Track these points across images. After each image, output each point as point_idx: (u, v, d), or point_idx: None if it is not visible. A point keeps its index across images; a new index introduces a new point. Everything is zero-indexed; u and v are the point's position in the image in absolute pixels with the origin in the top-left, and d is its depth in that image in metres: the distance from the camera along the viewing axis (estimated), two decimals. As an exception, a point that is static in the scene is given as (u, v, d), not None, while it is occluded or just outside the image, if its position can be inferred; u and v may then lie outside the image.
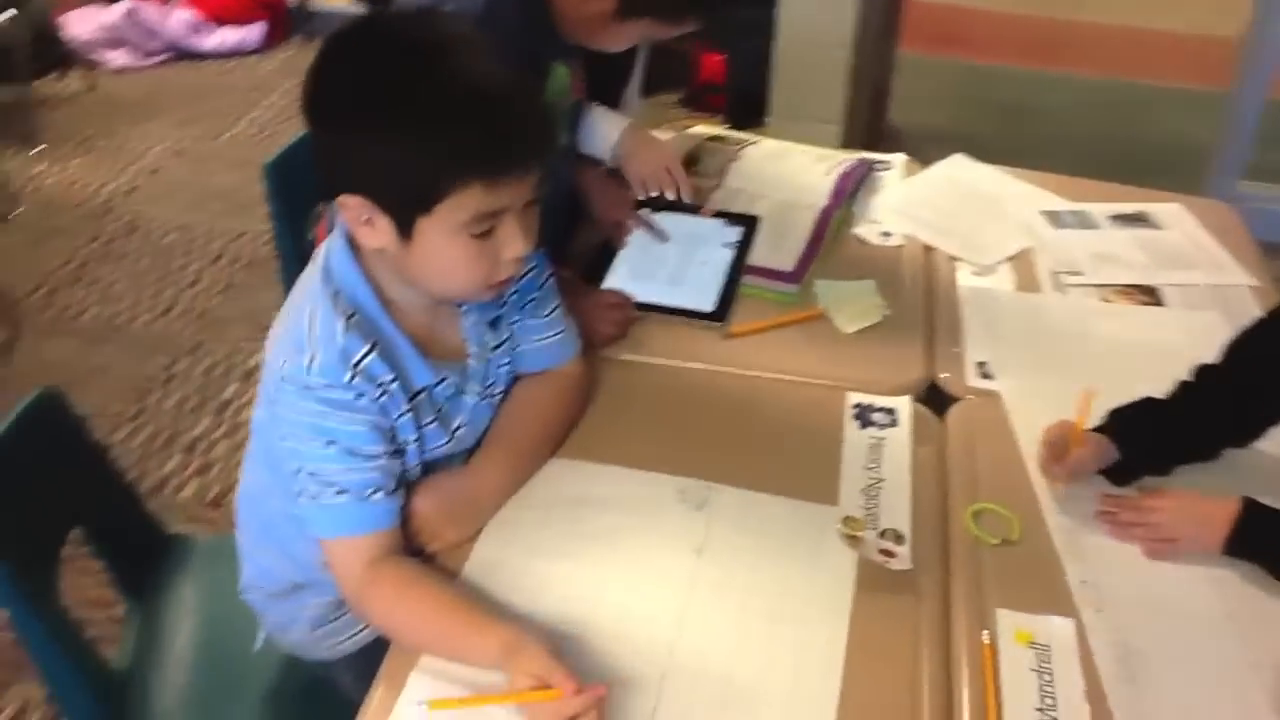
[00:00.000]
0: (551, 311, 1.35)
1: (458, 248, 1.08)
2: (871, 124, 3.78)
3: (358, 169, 1.07)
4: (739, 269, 1.66)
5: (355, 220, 1.09)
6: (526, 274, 1.30)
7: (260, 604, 1.40)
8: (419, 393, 1.19)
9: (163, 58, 4.46)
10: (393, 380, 1.14)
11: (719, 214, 1.78)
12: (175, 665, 1.49)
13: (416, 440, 1.20)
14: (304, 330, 1.12)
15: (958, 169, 2.02)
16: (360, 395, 1.12)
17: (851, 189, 1.85)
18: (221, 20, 4.54)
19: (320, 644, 1.37)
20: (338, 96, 1.07)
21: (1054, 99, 4.27)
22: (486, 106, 1.04)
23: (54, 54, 4.25)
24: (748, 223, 1.76)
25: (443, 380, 1.21)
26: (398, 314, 1.17)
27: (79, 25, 4.39)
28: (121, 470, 1.58)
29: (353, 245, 1.15)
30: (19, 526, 1.29)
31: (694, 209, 1.79)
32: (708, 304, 1.59)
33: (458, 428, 1.26)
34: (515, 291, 1.29)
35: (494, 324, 1.28)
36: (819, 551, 1.23)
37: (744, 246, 1.71)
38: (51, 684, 1.35)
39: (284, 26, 4.69)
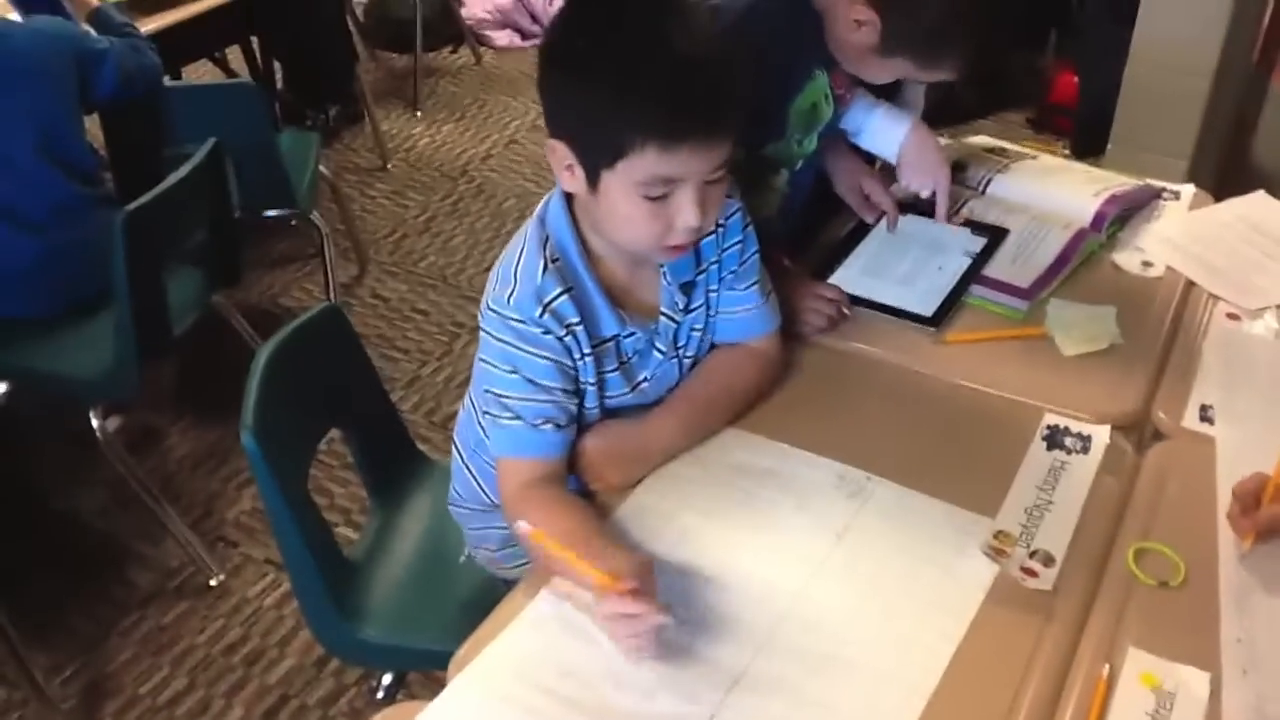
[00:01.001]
0: (750, 286, 1.41)
1: (633, 205, 1.17)
2: (1228, 161, 3.50)
3: (562, 115, 1.19)
4: (970, 279, 1.64)
5: (559, 165, 1.21)
6: (731, 246, 1.37)
7: (463, 518, 1.56)
8: (606, 340, 1.30)
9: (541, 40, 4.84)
10: (579, 323, 1.25)
11: (968, 223, 1.77)
12: (396, 564, 1.68)
13: (595, 384, 1.31)
14: (512, 267, 1.26)
15: (1255, 207, 1.87)
16: (547, 332, 1.24)
17: (1117, 214, 1.77)
18: None
19: (506, 562, 1.52)
20: (561, 44, 1.19)
21: None
22: (672, 74, 1.11)
23: (450, 30, 4.74)
24: (995, 235, 1.73)
25: (632, 334, 1.31)
26: (598, 265, 1.28)
27: (476, 6, 4.86)
28: (385, 388, 1.80)
29: (569, 198, 1.27)
30: (284, 417, 1.51)
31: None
32: (927, 309, 1.59)
33: (641, 381, 1.35)
34: (717, 261, 1.37)
35: (687, 288, 1.36)
36: (959, 558, 1.22)
37: (984, 258, 1.69)
38: (286, 558, 1.56)
39: None
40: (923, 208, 1.78)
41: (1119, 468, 1.34)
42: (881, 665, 1.11)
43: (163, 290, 2.14)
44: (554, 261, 1.25)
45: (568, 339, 1.26)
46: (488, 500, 1.49)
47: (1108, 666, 1.09)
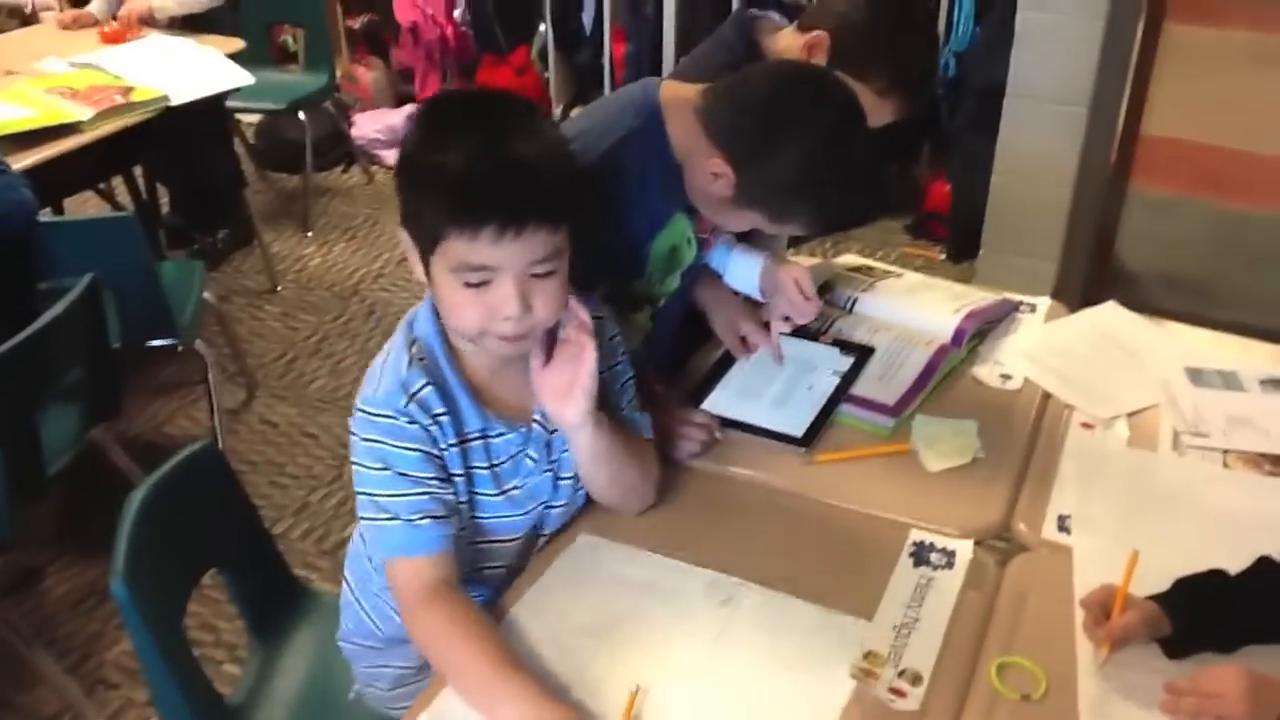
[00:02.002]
0: (630, 405, 1.46)
1: (455, 292, 1.22)
2: (1094, 265, 3.67)
3: (402, 209, 1.26)
4: (839, 398, 1.70)
5: (409, 253, 1.27)
6: (618, 362, 1.43)
7: (353, 654, 1.55)
8: (471, 436, 1.32)
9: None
10: (445, 414, 1.29)
11: (836, 342, 1.83)
12: (278, 705, 1.64)
13: (464, 476, 1.33)
14: (379, 367, 1.32)
15: (1108, 317, 1.98)
16: (413, 421, 1.27)
17: (975, 329, 1.85)
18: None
19: (399, 703, 1.50)
20: (404, 145, 1.26)
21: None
22: (473, 165, 1.18)
23: (341, 150, 4.79)
24: (862, 353, 1.80)
25: (501, 435, 1.34)
26: (462, 362, 1.33)
27: (366, 125, 4.92)
28: (264, 525, 1.78)
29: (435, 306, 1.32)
30: (158, 561, 1.48)
31: (814, 335, 1.84)
32: (797, 429, 1.63)
33: (512, 488, 1.37)
34: (611, 368, 1.42)
35: None
36: (830, 664, 1.26)
37: (851, 377, 1.75)
38: (159, 707, 1.52)
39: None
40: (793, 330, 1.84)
41: (982, 582, 1.39)
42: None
43: (35, 430, 2.10)
44: (420, 359, 1.30)
45: (434, 429, 1.29)
46: (381, 635, 1.48)
47: (973, 785, 1.12)
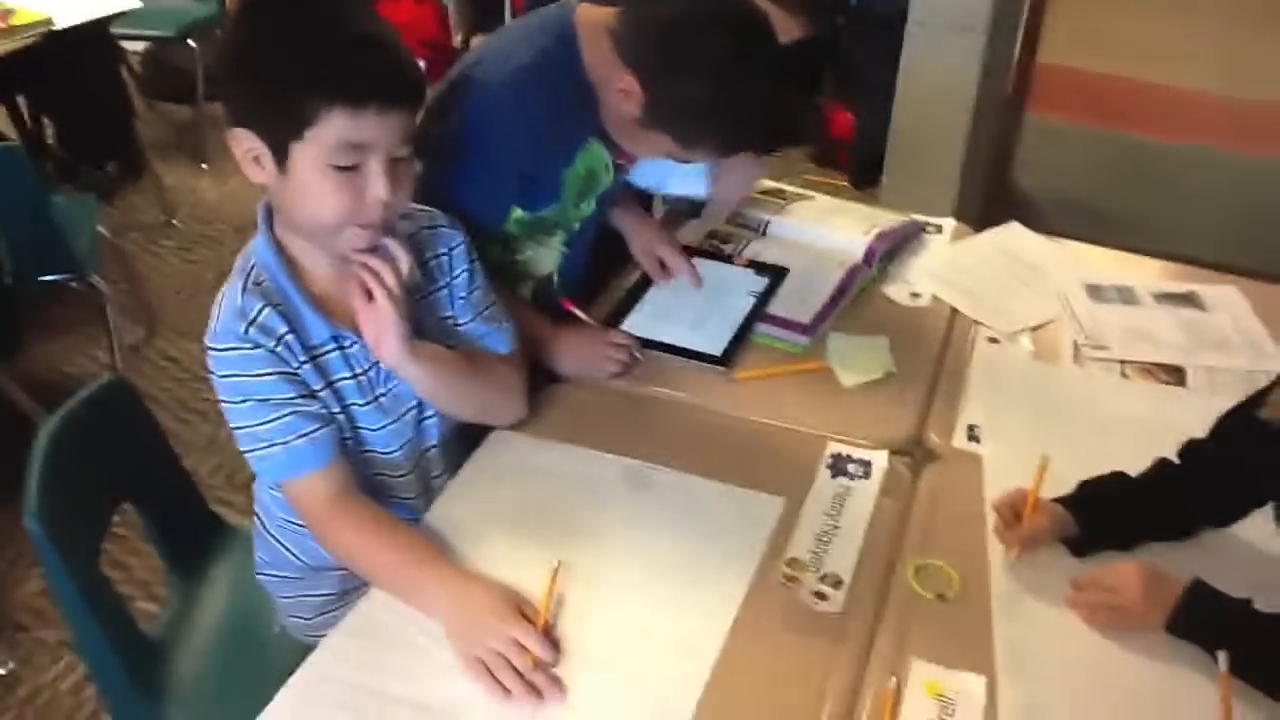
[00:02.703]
0: (487, 309, 1.46)
1: (323, 178, 1.19)
2: (992, 189, 3.76)
3: (246, 101, 1.21)
4: (755, 317, 1.73)
5: (245, 157, 1.22)
6: (459, 274, 1.42)
7: (272, 585, 1.54)
8: (322, 348, 1.31)
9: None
10: (289, 333, 1.27)
11: (751, 264, 1.86)
12: (201, 638, 1.63)
13: (326, 389, 1.32)
14: (217, 304, 1.29)
15: (1010, 237, 2.04)
16: (257, 346, 1.25)
17: (886, 249, 1.89)
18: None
19: (324, 629, 1.50)
20: (239, 43, 1.23)
21: (1207, 178, 4.12)
22: (354, 45, 1.18)
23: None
24: (776, 274, 1.83)
25: (355, 343, 1.32)
26: (303, 276, 1.31)
27: (260, 55, 4.76)
28: (178, 456, 1.75)
29: (270, 222, 1.30)
30: (71, 496, 1.45)
31: (728, 258, 1.87)
32: (716, 349, 1.66)
33: (380, 395, 1.37)
34: (445, 287, 1.42)
35: (416, 301, 1.37)
36: (741, 533, 1.35)
37: (767, 296, 1.78)
38: (80, 642, 1.50)
39: (445, 67, 4.96)
40: (708, 252, 1.86)
41: (897, 490, 1.44)
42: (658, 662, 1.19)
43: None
44: (257, 284, 1.28)
45: (279, 349, 1.27)
46: (299, 563, 1.47)
47: (894, 679, 1.17)
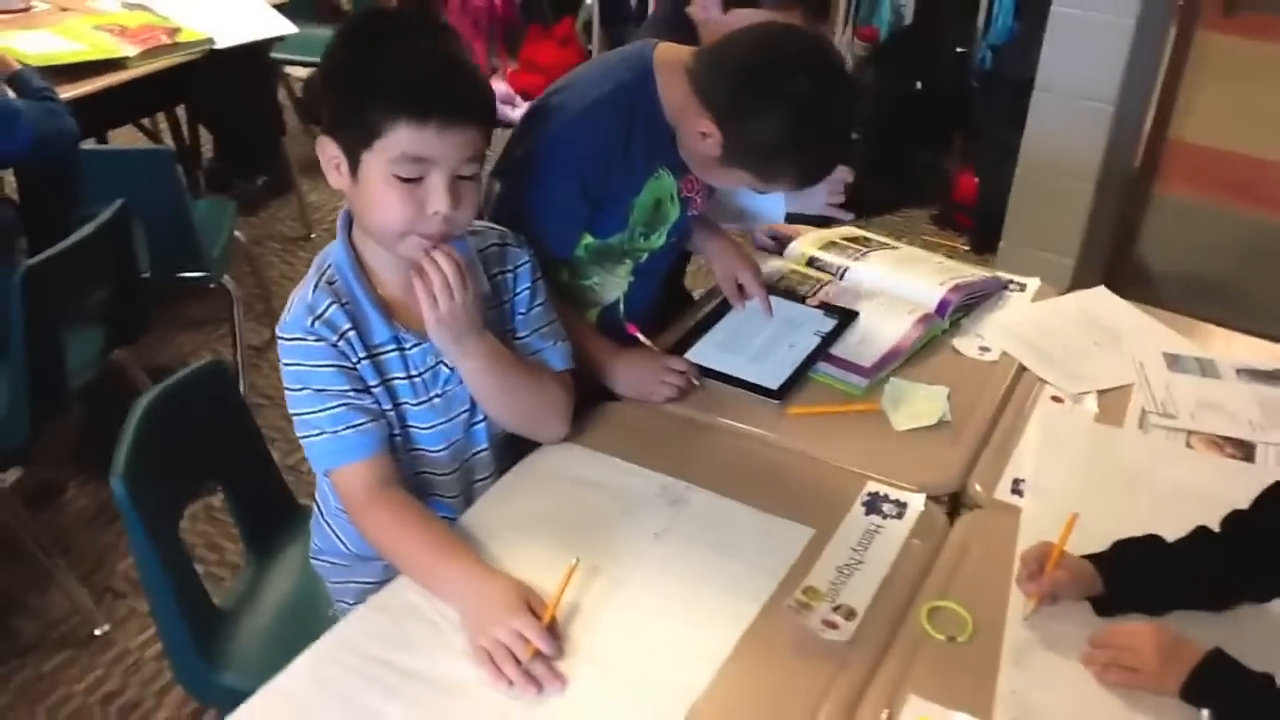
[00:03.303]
0: (544, 326, 1.53)
1: (388, 186, 1.29)
2: (1113, 263, 3.69)
3: (331, 115, 1.33)
4: (817, 356, 1.76)
5: (328, 165, 1.34)
6: (521, 291, 1.51)
7: (324, 571, 1.63)
8: (382, 348, 1.40)
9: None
10: (351, 329, 1.37)
11: (822, 305, 1.89)
12: (264, 613, 1.73)
13: (381, 387, 1.41)
14: (294, 295, 1.41)
15: (1094, 301, 2.02)
16: (319, 339, 1.36)
17: (961, 302, 1.90)
18: (529, 96, 5.05)
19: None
20: (331, 61, 1.34)
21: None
22: (418, 60, 1.29)
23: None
24: (845, 316, 1.86)
25: (417, 345, 1.41)
26: (372, 278, 1.41)
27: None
28: (265, 442, 1.87)
29: (350, 228, 1.41)
30: (158, 464, 1.57)
31: (801, 298, 1.91)
32: (773, 383, 1.70)
33: (434, 395, 1.45)
34: (507, 301, 1.50)
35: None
36: (763, 556, 1.39)
37: (833, 338, 1.81)
38: (151, 602, 1.62)
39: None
40: (781, 291, 1.91)
41: (929, 532, 1.45)
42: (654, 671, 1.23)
43: (59, 345, 2.20)
44: (329, 283, 1.39)
45: (341, 344, 1.37)
46: (347, 552, 1.56)
47: (886, 711, 1.18)
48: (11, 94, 2.35)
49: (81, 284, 2.25)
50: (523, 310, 1.52)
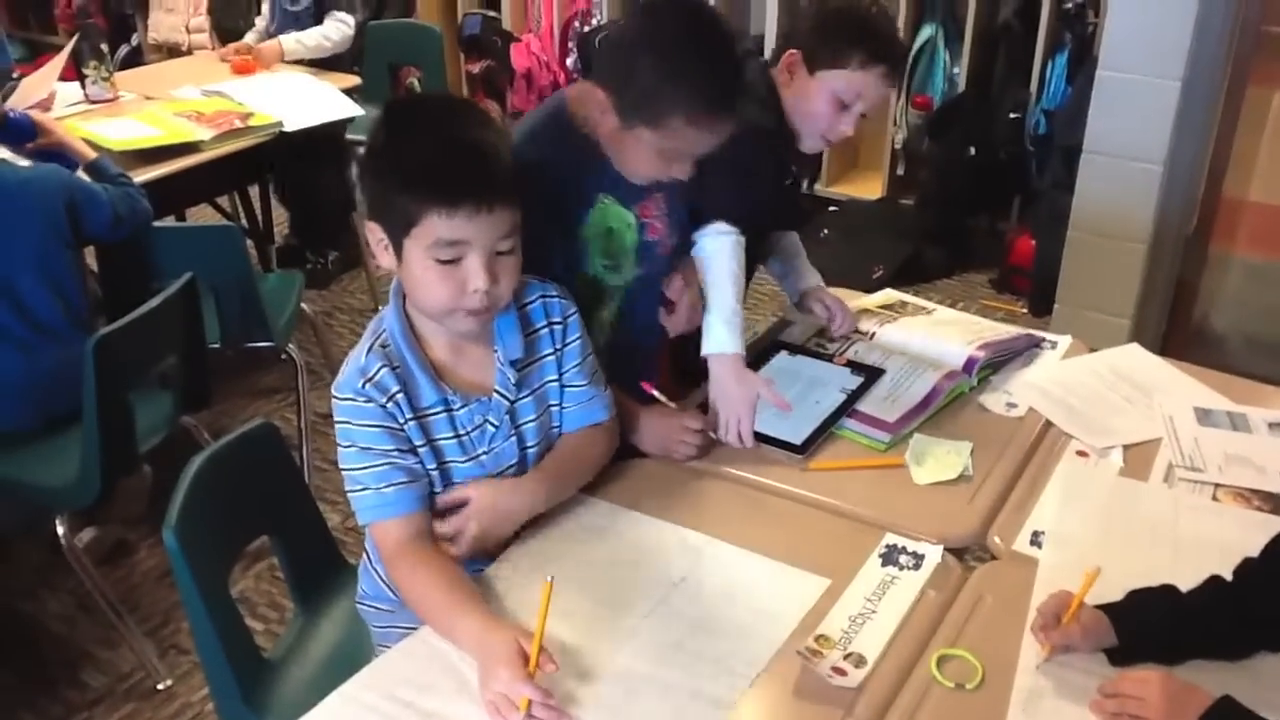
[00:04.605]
0: (589, 381, 1.60)
1: (428, 269, 1.37)
2: (1172, 324, 3.66)
3: (372, 201, 1.41)
4: (841, 412, 1.80)
5: (377, 246, 1.42)
6: (571, 343, 1.57)
7: (369, 616, 1.70)
8: (430, 409, 1.48)
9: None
10: (399, 392, 1.45)
11: (850, 363, 1.94)
12: (311, 663, 1.80)
13: (427, 447, 1.48)
14: (349, 357, 1.49)
15: (1125, 357, 2.03)
16: (369, 400, 1.44)
17: (989, 360, 1.92)
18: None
19: (406, 662, 1.65)
20: (371, 146, 1.42)
21: None
22: (444, 152, 1.36)
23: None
24: (871, 374, 1.90)
25: (465, 407, 1.49)
26: (424, 344, 1.49)
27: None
28: (315, 500, 1.95)
29: (402, 293, 1.48)
30: (210, 522, 1.64)
31: (829, 357, 1.96)
32: (797, 439, 1.74)
33: (480, 453, 1.52)
34: (554, 354, 1.57)
35: (521, 367, 1.53)
36: (778, 605, 1.42)
37: (858, 395, 1.85)
38: (200, 651, 1.69)
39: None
40: (810, 350, 1.97)
41: (944, 584, 1.47)
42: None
43: (129, 409, 2.32)
44: (382, 347, 1.46)
45: (389, 405, 1.45)
46: (392, 598, 1.62)
47: (889, 758, 1.21)
48: (88, 180, 2.52)
49: (150, 352, 2.38)
50: (576, 361, 1.59)
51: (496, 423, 1.52)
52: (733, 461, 1.72)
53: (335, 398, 1.47)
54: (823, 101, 1.88)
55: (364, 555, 1.69)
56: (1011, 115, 4.22)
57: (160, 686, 2.40)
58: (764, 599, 1.44)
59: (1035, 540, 1.55)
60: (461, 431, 1.51)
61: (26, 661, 2.47)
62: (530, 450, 1.56)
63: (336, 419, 1.47)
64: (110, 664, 2.46)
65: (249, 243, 3.28)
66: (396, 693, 1.30)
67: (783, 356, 1.98)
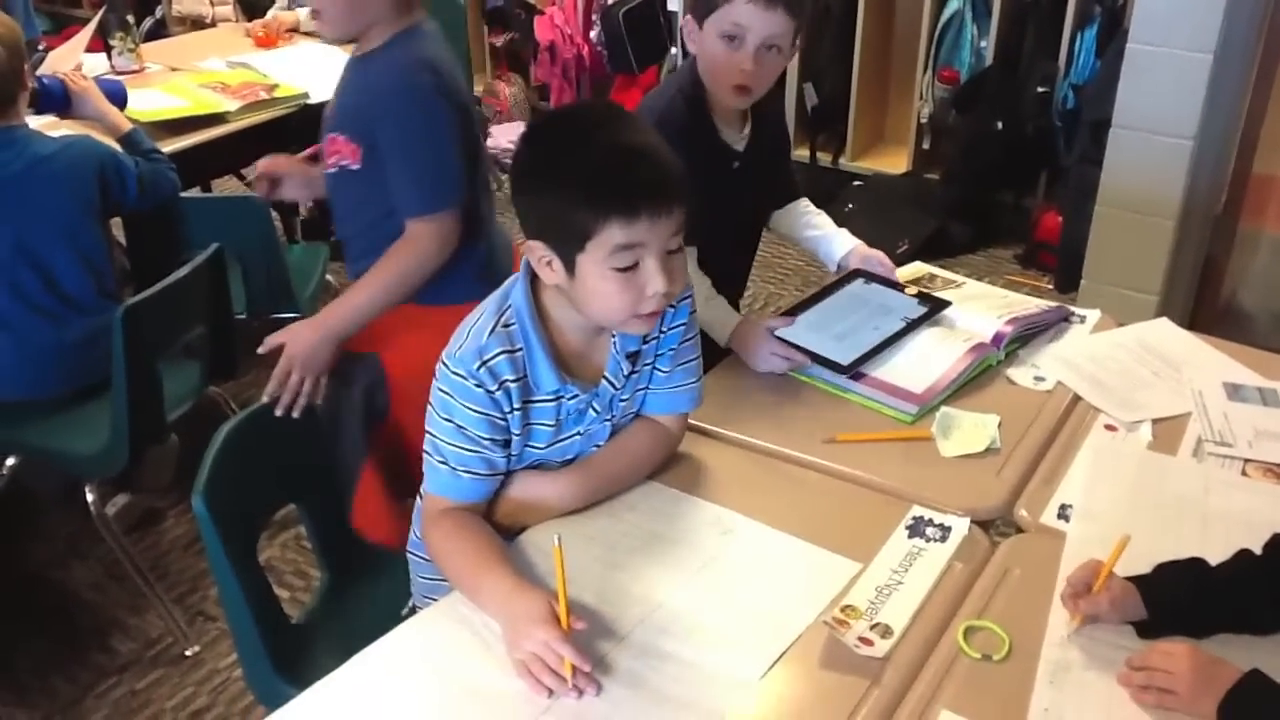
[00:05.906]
0: (687, 363, 1.57)
1: (607, 281, 1.34)
2: (1200, 300, 3.63)
3: (536, 220, 1.37)
4: (897, 338, 1.88)
5: (538, 262, 1.39)
6: (677, 326, 1.54)
7: (417, 566, 1.67)
8: (541, 398, 1.45)
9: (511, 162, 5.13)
10: (514, 380, 1.41)
11: (920, 293, 2.01)
12: (336, 630, 1.82)
13: (521, 434, 1.47)
14: (467, 326, 1.44)
15: (1154, 331, 2.02)
16: (479, 385, 1.40)
17: (1018, 334, 1.91)
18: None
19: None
20: (522, 166, 1.40)
21: None
22: (622, 159, 1.32)
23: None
24: (937, 305, 1.96)
25: (574, 396, 1.47)
26: (553, 330, 1.45)
27: (502, 136, 5.18)
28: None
29: (533, 274, 1.44)
30: (238, 488, 1.65)
31: (900, 287, 2.04)
32: (845, 359, 1.81)
33: (576, 434, 1.51)
34: (656, 338, 1.53)
35: (633, 357, 1.52)
36: (807, 586, 1.42)
37: (918, 323, 1.92)
38: (228, 616, 1.72)
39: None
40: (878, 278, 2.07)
41: (971, 556, 1.47)
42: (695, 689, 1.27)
43: (157, 378, 2.34)
44: (505, 326, 1.42)
45: (499, 394, 1.41)
46: None
47: (920, 725, 1.21)
48: (121, 151, 2.52)
49: (178, 322, 2.40)
50: (671, 346, 1.55)
51: (599, 408, 1.51)
52: (756, 433, 1.71)
53: (446, 366, 1.42)
54: (714, 48, 1.88)
55: (419, 501, 1.69)
56: (1039, 89, 4.18)
57: (188, 653, 2.43)
58: (792, 581, 1.42)
59: (1063, 514, 1.55)
60: (563, 417, 1.49)
61: (58, 628, 2.51)
62: (623, 425, 1.57)
63: (440, 386, 1.42)
64: (139, 630, 2.49)
65: (274, 214, 3.29)
66: (423, 654, 1.31)
67: (859, 283, 2.04)
